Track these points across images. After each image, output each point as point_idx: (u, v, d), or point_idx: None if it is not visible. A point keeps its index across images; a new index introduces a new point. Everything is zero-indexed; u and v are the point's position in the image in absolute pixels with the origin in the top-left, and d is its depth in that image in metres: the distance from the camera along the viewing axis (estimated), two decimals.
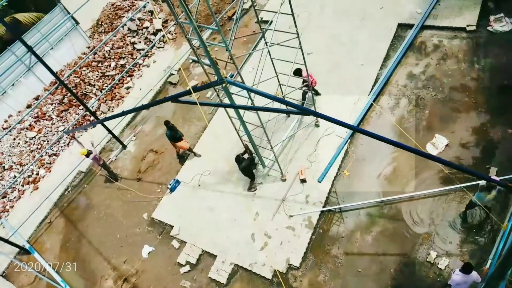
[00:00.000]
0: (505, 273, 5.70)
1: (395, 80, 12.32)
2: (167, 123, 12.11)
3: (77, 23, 16.67)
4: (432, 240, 9.28)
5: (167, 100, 8.71)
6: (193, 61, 16.02)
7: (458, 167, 8.80)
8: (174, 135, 12.25)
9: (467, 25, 12.53)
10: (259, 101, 9.13)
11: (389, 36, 13.36)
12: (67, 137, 15.13)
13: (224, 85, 7.91)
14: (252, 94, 8.75)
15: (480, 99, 11.09)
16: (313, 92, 11.50)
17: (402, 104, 11.74)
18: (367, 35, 13.59)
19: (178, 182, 12.37)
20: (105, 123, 13.37)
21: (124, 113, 10.73)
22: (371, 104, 11.81)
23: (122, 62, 16.52)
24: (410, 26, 13.35)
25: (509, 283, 5.99)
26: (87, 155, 12.29)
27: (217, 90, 9.81)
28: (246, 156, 10.76)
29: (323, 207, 10.52)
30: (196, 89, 8.13)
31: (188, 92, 7.99)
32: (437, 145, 10.56)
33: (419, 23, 13.16)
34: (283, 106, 9.89)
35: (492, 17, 12.40)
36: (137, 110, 11.91)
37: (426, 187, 9.98)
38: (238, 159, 10.74)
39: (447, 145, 10.49)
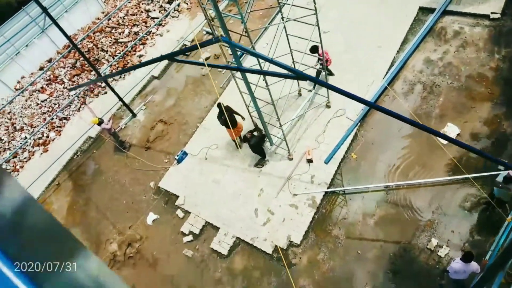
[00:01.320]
0: (505, 264, 5.74)
1: (412, 65, 12.07)
2: (219, 105, 10.49)
3: None
4: (434, 228, 9.31)
5: (163, 58, 8.47)
6: (207, 32, 15.81)
7: (476, 151, 8.65)
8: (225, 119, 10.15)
9: (492, 13, 12.12)
10: (271, 78, 9.04)
11: (409, 19, 13.00)
12: (78, 102, 15.23)
13: (219, 43, 7.75)
14: (265, 68, 8.66)
15: (496, 90, 10.85)
16: (327, 71, 11.35)
17: (417, 90, 11.55)
18: (386, 17, 13.24)
19: (185, 153, 12.47)
20: (117, 91, 13.43)
21: (123, 71, 10.55)
22: (385, 88, 11.63)
23: (135, 29, 16.39)
24: (431, 10, 12.95)
25: (507, 275, 6.02)
26: (99, 124, 12.41)
27: (230, 63, 9.71)
28: (255, 133, 10.72)
29: (328, 188, 10.57)
30: (192, 48, 7.97)
31: (190, 49, 7.84)
32: (448, 133, 10.42)
33: (441, 7, 12.75)
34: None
35: None
36: (134, 68, 11.69)
37: (433, 176, 9.94)
38: (246, 139, 10.70)
39: (458, 134, 10.37)
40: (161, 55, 8.33)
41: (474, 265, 7.25)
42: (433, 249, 9.02)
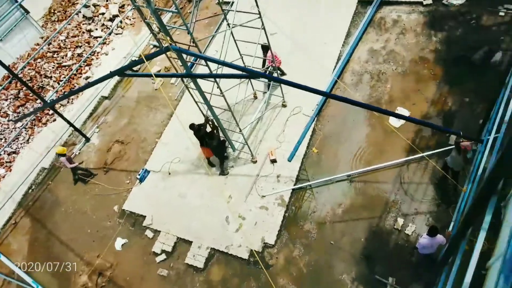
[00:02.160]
0: (466, 233, 6.06)
1: (357, 57, 12.54)
2: (191, 126, 10.56)
3: (27, 12, 15.74)
4: (398, 208, 9.68)
5: (113, 75, 8.25)
6: (154, 46, 15.57)
7: (426, 123, 9.12)
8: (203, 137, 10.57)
9: None
10: (225, 85, 9.06)
11: (349, 13, 13.51)
12: (26, 133, 14.45)
13: (168, 53, 7.68)
14: (218, 78, 8.64)
15: (438, 70, 11.50)
16: (278, 71, 11.52)
17: (365, 79, 12.00)
18: (328, 14, 13.68)
19: (147, 171, 12.16)
20: (66, 116, 12.87)
21: (70, 94, 10.19)
22: (335, 81, 11.99)
23: (79, 51, 15.83)
24: (369, 2, 13.54)
25: (469, 242, 6.37)
26: (63, 155, 11.80)
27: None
28: (208, 129, 10.51)
29: (294, 185, 10.70)
30: (140, 61, 7.90)
31: (139, 62, 7.73)
32: None
33: None
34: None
35: None
36: (81, 90, 11.15)
37: (391, 158, 10.33)
38: (194, 127, 10.50)
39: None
40: (110, 71, 8.09)
41: (439, 238, 7.61)
42: (400, 229, 9.37)
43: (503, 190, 5.38)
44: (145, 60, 7.04)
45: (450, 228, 8.58)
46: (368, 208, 9.91)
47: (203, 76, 8.51)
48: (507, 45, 11.18)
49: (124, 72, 8.12)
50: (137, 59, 15.32)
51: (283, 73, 12.49)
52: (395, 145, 10.53)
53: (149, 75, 10.47)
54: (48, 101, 12.91)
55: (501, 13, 11.85)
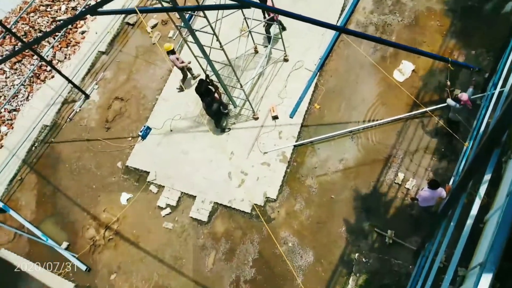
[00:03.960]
0: (466, 186, 6.13)
1: (362, 7, 12.05)
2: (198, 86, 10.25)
3: None
4: (399, 163, 9.77)
5: (85, 13, 7.81)
6: None
7: (415, 50, 9.11)
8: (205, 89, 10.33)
9: None
10: (225, 38, 8.79)
11: None
12: (25, 90, 14.28)
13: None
14: (217, 30, 8.36)
15: (445, 22, 11.09)
16: (279, 26, 11.12)
17: (370, 31, 11.60)
18: None
19: (149, 128, 12.15)
20: (64, 73, 12.63)
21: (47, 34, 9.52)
22: (339, 34, 11.61)
23: (73, 4, 15.21)
24: None
25: (469, 195, 6.47)
26: (172, 52, 11.21)
27: (179, 27, 9.29)
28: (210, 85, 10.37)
29: (296, 141, 10.72)
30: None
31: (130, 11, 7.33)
32: (403, 71, 10.69)
33: None
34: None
35: None
36: (58, 29, 10.27)
37: (394, 113, 10.26)
38: (200, 90, 10.31)
39: (413, 70, 10.65)
40: (81, 10, 7.68)
41: (440, 191, 7.74)
42: (400, 183, 9.51)
43: (505, 145, 5.36)
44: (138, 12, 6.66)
45: (451, 183, 8.70)
46: (370, 163, 10.00)
47: (188, 9, 8.02)
48: None
49: (97, 10, 7.67)
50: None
51: (284, 28, 12.05)
52: (399, 100, 10.41)
53: (128, 11, 9.88)
54: (45, 57, 12.58)
55: None
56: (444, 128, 9.22)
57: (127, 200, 11.47)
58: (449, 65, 8.64)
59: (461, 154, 8.97)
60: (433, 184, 7.67)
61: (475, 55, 10.36)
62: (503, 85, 7.40)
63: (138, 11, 7.24)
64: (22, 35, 14.30)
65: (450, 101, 8.59)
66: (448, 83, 9.03)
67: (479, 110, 8.86)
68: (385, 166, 9.84)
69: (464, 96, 8.26)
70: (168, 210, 10.93)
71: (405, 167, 9.68)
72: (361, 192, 9.75)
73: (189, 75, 12.30)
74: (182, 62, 11.50)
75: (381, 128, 10.31)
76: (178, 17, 8.16)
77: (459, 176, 8.00)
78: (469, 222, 5.11)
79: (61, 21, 10.49)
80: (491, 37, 10.27)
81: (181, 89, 12.37)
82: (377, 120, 10.33)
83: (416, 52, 8.94)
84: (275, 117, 11.12)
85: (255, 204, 10.21)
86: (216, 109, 10.58)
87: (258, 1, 10.09)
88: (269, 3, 10.28)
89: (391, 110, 10.40)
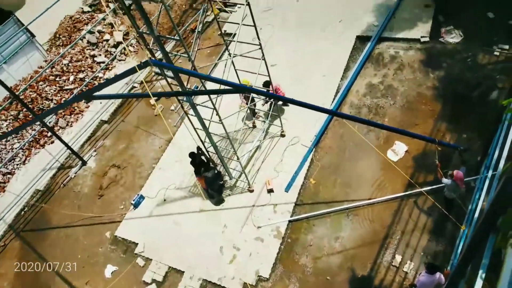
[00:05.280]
0: (465, 272, 5.91)
1: (356, 90, 12.70)
2: (190, 154, 10.78)
3: (33, 36, 16.02)
4: (396, 244, 9.50)
5: (80, 98, 8.25)
6: (156, 73, 15.73)
7: (402, 131, 9.39)
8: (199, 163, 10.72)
9: (421, 37, 13.19)
10: (224, 113, 9.12)
11: (348, 48, 13.80)
12: (23, 154, 14.36)
13: (152, 70, 7.70)
14: (217, 105, 8.71)
15: (436, 106, 11.62)
16: (277, 103, 11.59)
17: (363, 113, 12.09)
18: (328, 47, 13.97)
19: (142, 197, 12.01)
20: (65, 139, 12.85)
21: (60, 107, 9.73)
22: (332, 116, 12.06)
23: (81, 75, 16.00)
24: (368, 38, 13.87)
25: (469, 281, 6.20)
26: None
27: (181, 101, 9.68)
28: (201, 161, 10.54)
29: (291, 216, 10.55)
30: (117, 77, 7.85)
31: (113, 80, 7.73)
32: (397, 151, 10.92)
33: (376, 35, 13.71)
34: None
35: (443, 29, 13.13)
36: (55, 110, 10.58)
37: (389, 193, 10.25)
38: (194, 154, 10.61)
39: (406, 151, 10.88)
40: (77, 94, 8.15)
41: (438, 276, 7.43)
42: (398, 266, 9.16)
43: (504, 229, 5.28)
44: (137, 69, 6.90)
45: (449, 268, 8.39)
46: (366, 243, 9.72)
47: (198, 94, 8.45)
48: (503, 84, 11.36)
49: (92, 95, 8.11)
50: (138, 86, 15.50)
51: (286, 104, 12.60)
52: (393, 179, 10.47)
53: (118, 96, 10.16)
54: (47, 123, 12.88)
55: (496, 53, 12.13)
56: (440, 209, 9.14)
57: (112, 273, 10.90)
58: (436, 145, 8.91)
59: (457, 237, 8.78)
60: (430, 268, 7.40)
61: (466, 138, 10.67)
62: (495, 169, 7.51)
63: (151, 95, 7.60)
64: (29, 102, 14.78)
65: (444, 180, 8.64)
66: (438, 162, 9.08)
67: (473, 192, 8.88)
68: (382, 247, 9.56)
69: (459, 173, 8.34)
70: (153, 286, 10.33)
71: (403, 249, 9.39)
72: (357, 274, 9.33)
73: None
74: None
75: (377, 206, 10.21)
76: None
77: (457, 261, 7.75)
78: None
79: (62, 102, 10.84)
80: (481, 122, 10.67)
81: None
82: (372, 198, 10.28)
83: (403, 133, 9.25)
84: (270, 191, 11.07)
85: (246, 283, 9.69)
86: (213, 176, 10.58)
87: (263, 86, 10.72)
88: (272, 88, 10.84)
89: (386, 189, 10.40)
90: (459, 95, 11.58)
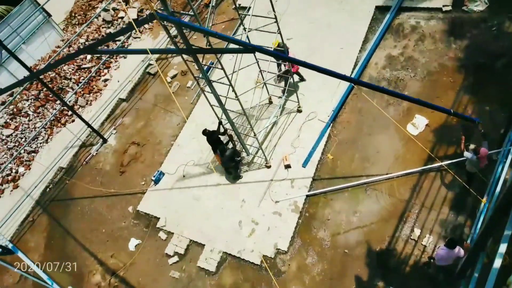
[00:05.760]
0: (485, 245, 5.89)
1: (375, 63, 12.39)
2: (204, 131, 10.86)
3: (49, 15, 16.12)
4: (415, 218, 9.49)
5: (83, 52, 8.14)
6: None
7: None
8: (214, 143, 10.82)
9: (443, 6, 12.65)
10: (241, 89, 9.08)
11: (367, 19, 13.38)
12: (45, 133, 14.76)
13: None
14: (233, 81, 8.67)
15: (457, 78, 11.27)
16: (299, 77, 11.41)
17: (382, 85, 11.82)
18: (345, 19, 13.58)
19: (162, 173, 12.26)
20: (85, 118, 13.10)
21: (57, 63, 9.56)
22: (352, 88, 11.87)
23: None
24: (387, 8, 13.37)
25: (489, 254, 6.18)
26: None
27: (197, 78, 9.67)
28: (222, 138, 10.57)
29: (308, 191, 10.61)
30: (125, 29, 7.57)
31: (120, 33, 7.46)
32: (417, 125, 10.72)
33: (396, 5, 13.21)
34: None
35: None
36: (60, 63, 10.31)
37: (408, 167, 10.15)
38: (206, 133, 10.67)
39: (427, 124, 10.67)
40: (79, 48, 8.08)
41: (458, 250, 7.42)
42: (417, 239, 9.17)
43: None
44: (134, 25, 6.65)
45: (469, 241, 8.36)
46: (384, 217, 9.74)
47: (200, 52, 8.17)
48: None
49: (95, 49, 8.01)
50: (154, 63, 15.51)
51: (302, 79, 12.45)
52: (413, 153, 10.34)
53: (121, 51, 9.84)
54: (68, 103, 13.09)
55: None
56: (460, 182, 9.03)
57: (135, 246, 11.30)
58: (452, 116, 8.56)
59: (478, 210, 8.70)
60: (450, 244, 7.37)
61: (489, 111, 10.37)
62: None
63: (149, 52, 7.31)
64: (48, 81, 15.03)
65: (467, 154, 8.48)
66: (462, 135, 8.94)
67: (495, 165, 8.71)
68: (400, 220, 9.56)
69: (483, 150, 8.17)
70: (175, 258, 10.69)
71: (421, 223, 9.38)
72: (375, 247, 9.41)
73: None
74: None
75: (396, 181, 10.15)
76: (197, 68, 8.52)
77: (477, 234, 7.71)
78: (490, 284, 4.85)
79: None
80: (505, 94, 10.33)
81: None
82: (391, 173, 10.21)
83: (419, 103, 8.85)
84: (287, 166, 11.12)
85: (265, 255, 9.92)
86: (230, 155, 10.68)
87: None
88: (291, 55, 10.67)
89: (405, 163, 10.30)
90: (482, 66, 11.16)
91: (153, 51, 6.96)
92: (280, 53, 9.19)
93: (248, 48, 6.98)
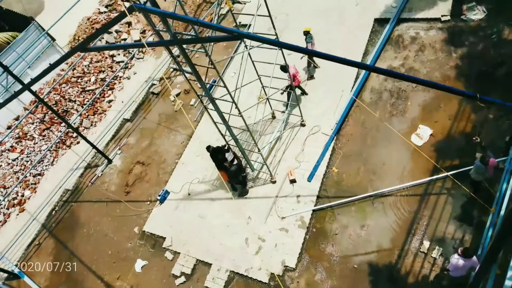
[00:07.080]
0: (496, 257, 5.76)
1: (376, 75, 12.43)
2: (207, 148, 11.00)
3: (53, 39, 16.43)
4: (423, 230, 9.34)
5: (75, 51, 8.13)
6: (174, 69, 15.91)
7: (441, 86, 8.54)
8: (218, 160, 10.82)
9: (442, 15, 12.74)
10: (244, 105, 9.12)
11: (366, 31, 13.49)
12: (51, 156, 14.85)
13: (133, 12, 7.12)
14: (236, 98, 8.71)
15: (459, 86, 11.24)
16: (300, 90, 11.47)
17: (384, 97, 11.84)
18: (345, 32, 13.70)
19: (167, 192, 12.23)
20: (90, 139, 13.18)
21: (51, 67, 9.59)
22: (354, 100, 11.88)
23: (102, 75, 16.32)
24: (386, 20, 13.49)
25: (501, 266, 6.04)
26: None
27: (201, 96, 9.74)
28: (227, 155, 10.61)
29: (315, 206, 10.51)
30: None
31: (102, 30, 7.31)
32: (421, 135, 10.66)
33: (395, 16, 13.32)
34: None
35: (464, 6, 12.62)
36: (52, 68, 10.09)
37: (414, 178, 10.05)
38: (209, 150, 10.71)
39: (431, 134, 10.61)
40: (71, 47, 8.03)
41: (474, 260, 7.26)
42: (426, 252, 9.01)
43: None
44: (127, 13, 6.57)
45: (479, 252, 8.19)
46: (392, 230, 9.60)
47: (189, 42, 8.11)
48: None
49: (85, 47, 8.02)
50: (157, 83, 15.65)
51: (304, 93, 12.51)
52: (418, 164, 10.25)
53: (108, 47, 9.71)
54: (72, 125, 13.22)
55: None
56: (467, 192, 8.91)
57: (142, 267, 11.20)
58: (478, 102, 8.05)
59: (486, 220, 8.54)
60: (465, 252, 7.21)
61: (492, 119, 10.31)
62: None
63: (146, 45, 7.20)
64: (53, 104, 15.22)
65: (477, 162, 8.34)
66: (478, 139, 8.54)
67: (501, 174, 8.60)
68: (409, 233, 9.41)
69: (494, 162, 8.06)
70: (182, 278, 10.56)
71: (430, 234, 9.22)
72: (385, 261, 9.25)
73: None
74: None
75: (402, 192, 10.04)
76: (200, 86, 8.59)
77: (487, 246, 7.56)
78: None
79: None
80: (507, 101, 10.24)
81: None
82: (397, 184, 10.10)
83: (441, 88, 8.39)
84: (293, 181, 11.06)
85: (273, 273, 9.77)
86: (236, 170, 10.64)
87: (282, 71, 10.60)
88: (292, 71, 10.78)
89: (411, 174, 10.21)
90: (483, 74, 11.15)
91: (149, 44, 6.84)
92: (271, 39, 8.93)
93: (234, 34, 6.88)
